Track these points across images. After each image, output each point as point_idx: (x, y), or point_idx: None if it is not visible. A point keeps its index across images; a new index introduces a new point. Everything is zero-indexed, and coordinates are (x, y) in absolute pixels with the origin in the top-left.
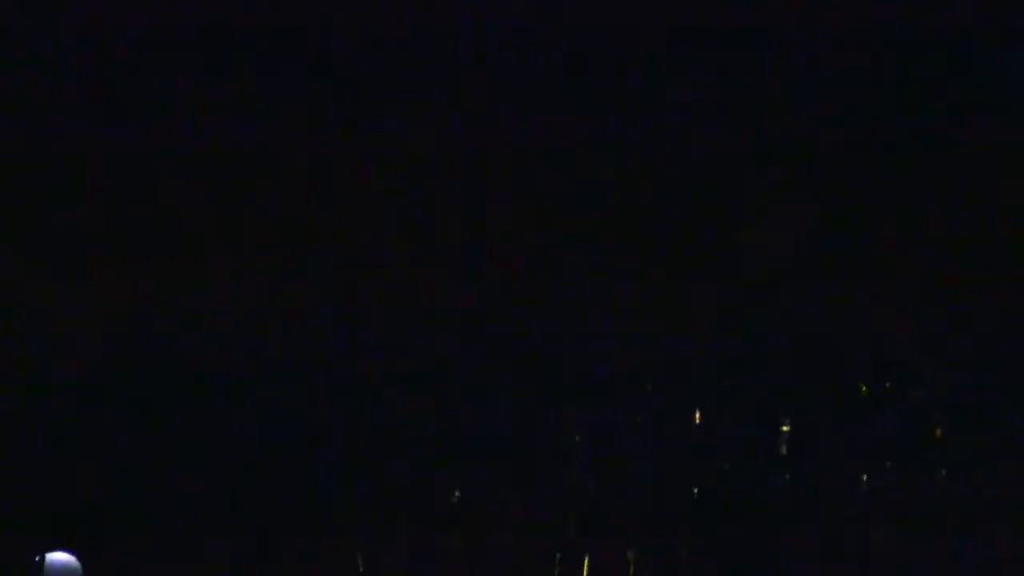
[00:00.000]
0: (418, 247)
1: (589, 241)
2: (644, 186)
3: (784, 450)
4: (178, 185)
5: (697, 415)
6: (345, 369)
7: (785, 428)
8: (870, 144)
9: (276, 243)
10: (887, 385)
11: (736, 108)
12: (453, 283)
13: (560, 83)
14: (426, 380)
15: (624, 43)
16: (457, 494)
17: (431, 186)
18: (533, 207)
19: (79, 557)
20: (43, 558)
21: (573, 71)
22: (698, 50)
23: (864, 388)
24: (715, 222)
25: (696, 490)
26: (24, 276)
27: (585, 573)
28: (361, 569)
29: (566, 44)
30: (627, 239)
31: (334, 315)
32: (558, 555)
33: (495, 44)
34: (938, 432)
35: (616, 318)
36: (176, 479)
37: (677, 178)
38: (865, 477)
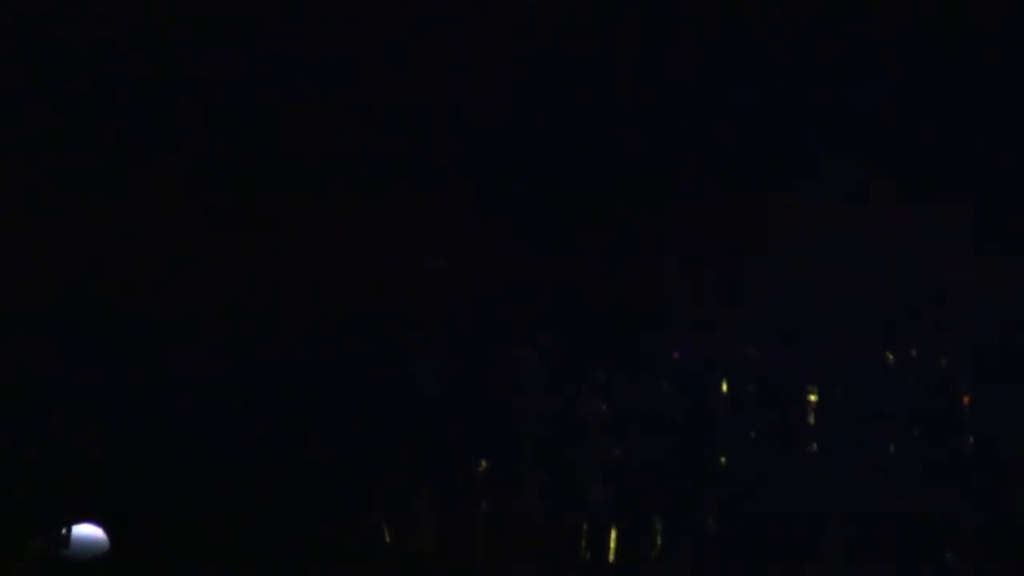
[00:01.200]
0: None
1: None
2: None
3: (811, 419)
4: None
5: (724, 384)
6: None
7: (812, 397)
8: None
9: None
10: (913, 353)
11: None
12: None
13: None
14: (456, 352)
15: None
16: (484, 464)
17: None
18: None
19: (105, 529)
20: (70, 529)
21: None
22: None
23: (891, 356)
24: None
25: (723, 459)
26: None
27: (612, 544)
28: (388, 540)
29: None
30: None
31: None
32: (585, 526)
33: None
34: (965, 399)
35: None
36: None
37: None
38: (892, 446)
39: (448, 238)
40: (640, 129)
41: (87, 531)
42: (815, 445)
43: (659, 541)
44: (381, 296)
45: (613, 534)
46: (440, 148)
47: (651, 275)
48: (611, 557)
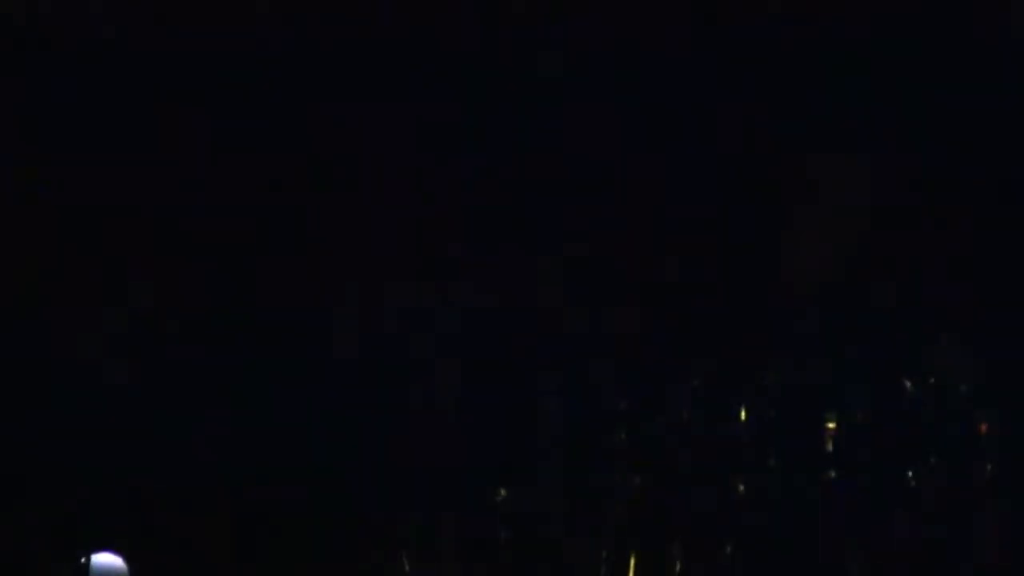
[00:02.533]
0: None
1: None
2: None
3: (830, 447)
4: None
5: (743, 412)
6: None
7: (831, 425)
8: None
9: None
10: (931, 381)
11: None
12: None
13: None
14: (473, 379)
15: None
16: (503, 492)
17: None
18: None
19: (125, 558)
20: (89, 559)
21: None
22: None
23: (909, 384)
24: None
25: (742, 487)
26: None
27: (631, 571)
28: (407, 569)
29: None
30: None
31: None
32: (604, 553)
33: None
34: (983, 428)
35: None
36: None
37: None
38: (910, 473)
39: (473, 266)
40: (658, 158)
41: (107, 561)
42: (833, 472)
43: (679, 568)
44: (404, 323)
45: (633, 561)
46: (466, 174)
47: (671, 302)
48: None
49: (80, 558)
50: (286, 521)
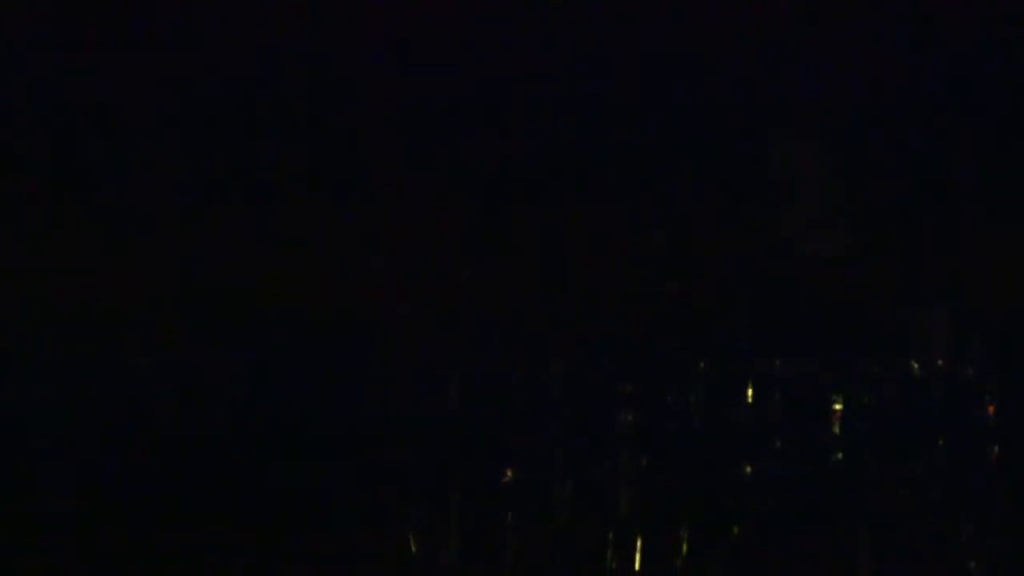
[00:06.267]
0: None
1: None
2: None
3: (836, 429)
4: None
5: (749, 394)
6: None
7: (837, 407)
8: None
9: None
10: (939, 363)
11: None
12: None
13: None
14: (479, 361)
15: None
16: (509, 474)
17: None
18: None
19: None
20: None
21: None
22: None
23: (915, 365)
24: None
25: (749, 469)
26: None
27: (638, 553)
28: (414, 550)
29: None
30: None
31: None
32: (610, 535)
33: None
34: (991, 409)
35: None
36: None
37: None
38: (917, 456)
39: (476, 248)
40: (680, 151)
41: None
42: (840, 455)
43: (685, 550)
44: (407, 305)
45: (639, 544)
46: (465, 160)
47: (677, 286)
48: (637, 567)
49: None
50: (289, 503)
